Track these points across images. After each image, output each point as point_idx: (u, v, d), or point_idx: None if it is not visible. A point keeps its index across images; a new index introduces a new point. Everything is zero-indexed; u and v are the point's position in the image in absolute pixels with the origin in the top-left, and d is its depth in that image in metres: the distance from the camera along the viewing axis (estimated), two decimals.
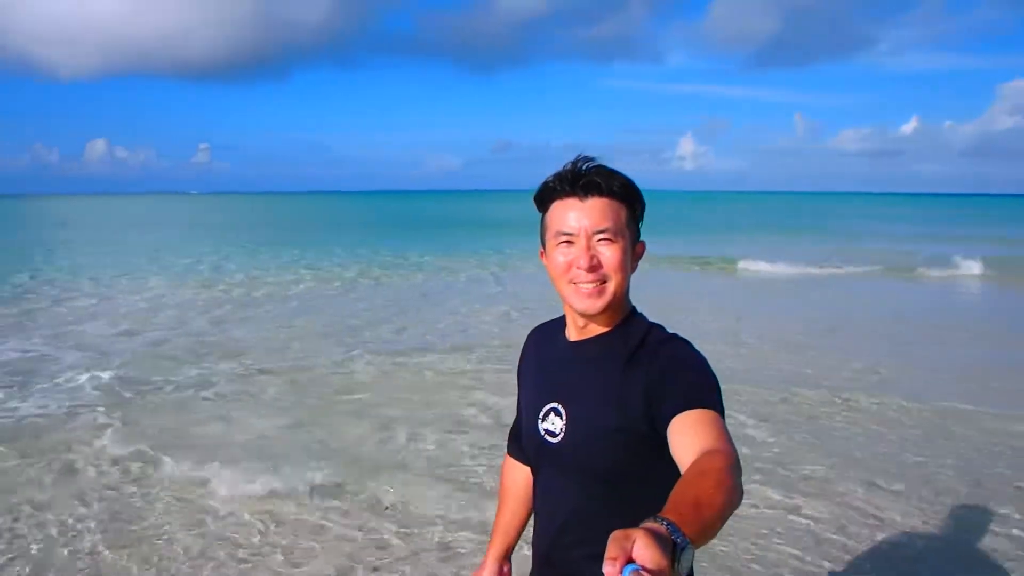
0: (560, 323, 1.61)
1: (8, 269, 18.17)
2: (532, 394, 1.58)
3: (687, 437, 1.22)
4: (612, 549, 0.80)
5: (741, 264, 20.04)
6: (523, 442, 1.63)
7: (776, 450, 5.57)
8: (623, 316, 1.50)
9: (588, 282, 1.41)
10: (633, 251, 1.46)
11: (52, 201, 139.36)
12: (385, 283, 16.62)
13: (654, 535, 0.81)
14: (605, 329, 1.48)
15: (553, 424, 1.48)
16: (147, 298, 13.99)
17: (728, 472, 1.08)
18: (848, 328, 10.99)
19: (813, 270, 19.10)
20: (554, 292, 1.48)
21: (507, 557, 1.81)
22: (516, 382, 1.72)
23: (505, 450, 1.85)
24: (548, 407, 1.50)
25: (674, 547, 0.84)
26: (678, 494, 1.01)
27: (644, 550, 0.79)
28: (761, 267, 19.47)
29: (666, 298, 12.66)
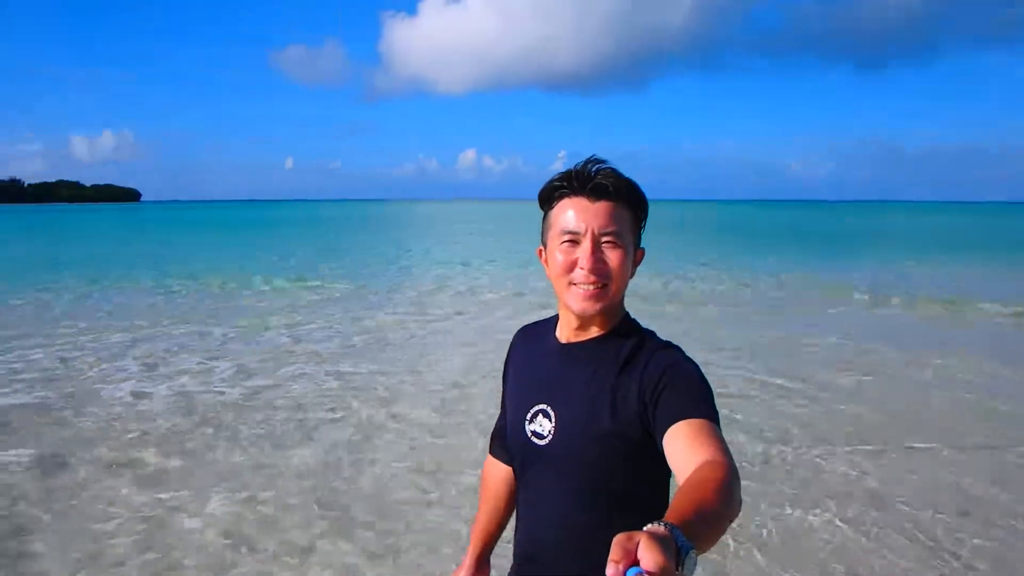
0: (549, 324, 1.62)
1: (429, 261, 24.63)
2: (519, 395, 1.57)
3: (686, 447, 1.21)
4: (616, 551, 0.79)
5: None
6: (508, 442, 1.62)
7: None
8: (617, 321, 1.51)
9: (589, 283, 1.41)
10: (634, 257, 1.48)
11: (432, 205, 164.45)
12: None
13: (658, 538, 0.81)
14: (599, 333, 1.49)
15: (541, 426, 1.47)
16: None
17: (728, 482, 1.09)
18: None
19: None
20: None
21: (486, 558, 1.82)
22: (502, 383, 1.72)
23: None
24: (536, 408, 1.50)
25: (678, 551, 0.84)
26: (680, 500, 1.02)
27: (648, 552, 0.78)
28: None
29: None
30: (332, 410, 6.97)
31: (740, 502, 1.10)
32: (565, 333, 1.53)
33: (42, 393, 7.50)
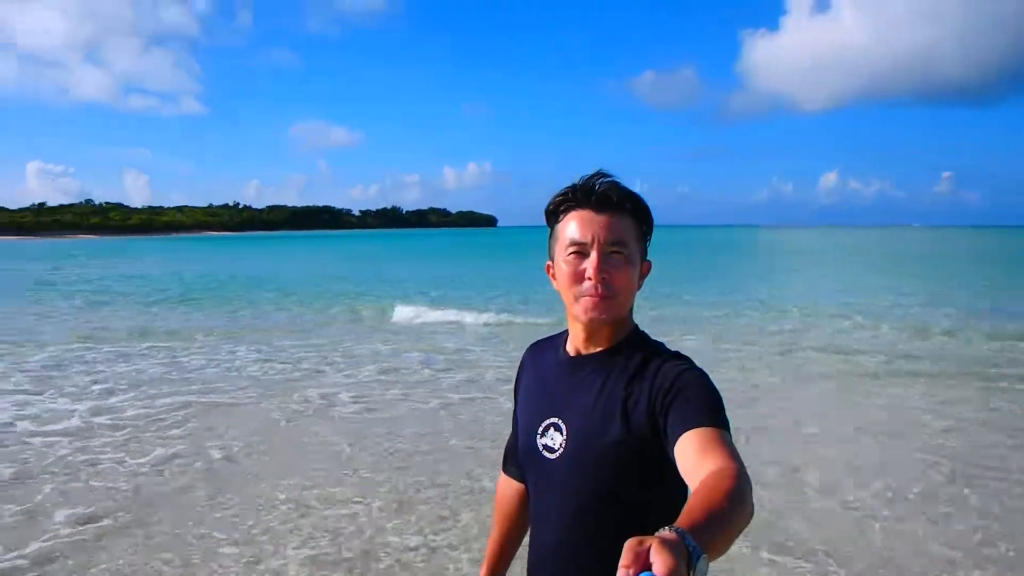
0: (559, 339, 1.64)
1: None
2: (530, 409, 1.60)
3: (697, 455, 1.22)
4: (626, 556, 0.80)
5: None
6: (520, 457, 1.64)
7: None
8: (626, 333, 1.52)
9: (597, 294, 1.43)
10: (640, 269, 1.49)
11: (793, 232, 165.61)
12: None
13: (668, 543, 0.81)
14: (608, 344, 1.51)
15: (552, 439, 1.50)
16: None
17: (740, 488, 1.09)
18: None
19: None
20: None
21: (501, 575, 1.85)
22: (513, 399, 1.74)
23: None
24: (548, 422, 1.52)
25: (689, 556, 0.83)
26: (691, 507, 1.02)
27: (659, 557, 0.79)
28: None
29: None
30: None
31: (752, 509, 1.10)
32: (574, 345, 1.55)
33: None
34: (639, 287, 1.51)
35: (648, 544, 0.81)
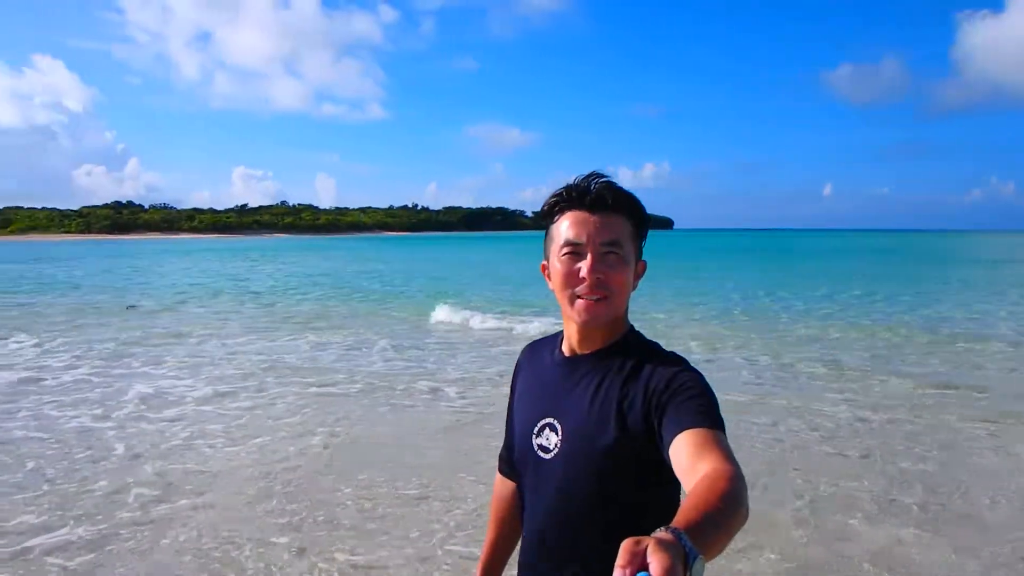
0: (555, 339, 1.64)
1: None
2: (526, 409, 1.61)
3: (692, 456, 1.22)
4: (623, 557, 0.80)
5: None
6: (514, 457, 1.65)
7: None
8: (622, 333, 1.52)
9: (592, 295, 1.45)
10: (635, 269, 1.49)
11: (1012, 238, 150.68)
12: None
13: (665, 544, 0.82)
14: (603, 345, 1.51)
15: (548, 440, 1.51)
16: None
17: (735, 488, 1.10)
18: None
19: None
20: None
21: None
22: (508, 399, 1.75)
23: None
24: (543, 422, 1.53)
25: (685, 557, 0.84)
26: (687, 507, 1.02)
27: (655, 557, 0.79)
28: None
29: None
30: None
31: (748, 509, 1.11)
32: (569, 346, 1.56)
33: None
34: (635, 287, 1.51)
35: (645, 544, 0.81)
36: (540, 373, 1.62)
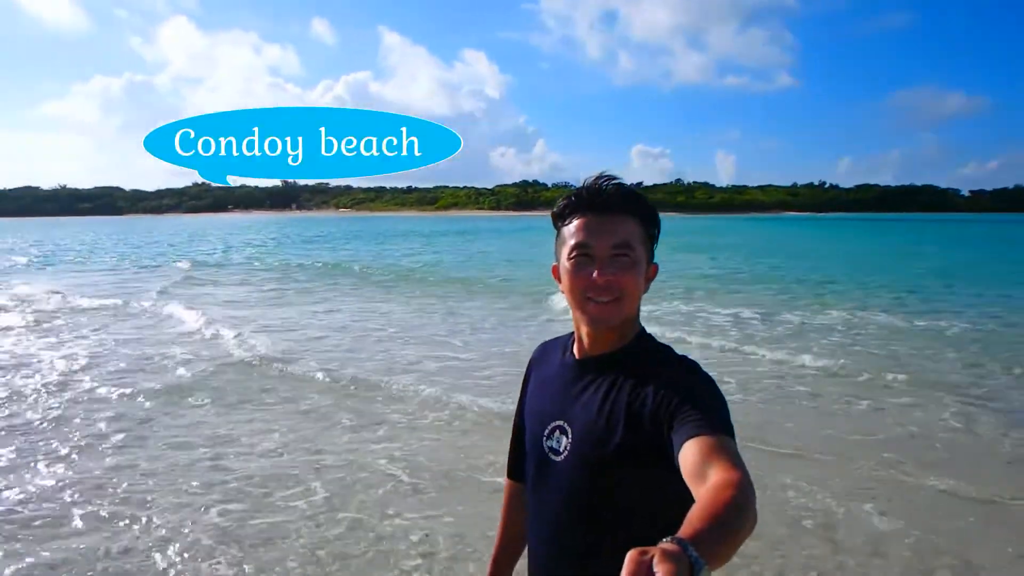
0: (566, 340, 1.63)
1: None
2: (537, 411, 1.62)
3: (701, 463, 1.24)
4: (628, 567, 0.82)
5: None
6: (524, 458, 1.66)
7: None
8: (632, 336, 1.52)
9: (602, 297, 1.46)
10: (647, 272, 1.49)
11: None
12: None
13: (670, 554, 0.84)
14: (614, 347, 1.51)
15: (558, 442, 1.53)
16: None
17: (743, 497, 1.13)
18: None
19: None
20: None
21: None
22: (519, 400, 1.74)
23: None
24: (554, 424, 1.55)
25: (691, 567, 0.85)
26: (694, 516, 1.04)
27: (661, 567, 0.81)
28: None
29: None
30: None
31: (755, 517, 1.14)
32: (580, 348, 1.56)
33: None
34: (645, 290, 1.51)
35: (651, 555, 0.83)
36: (550, 374, 1.65)
